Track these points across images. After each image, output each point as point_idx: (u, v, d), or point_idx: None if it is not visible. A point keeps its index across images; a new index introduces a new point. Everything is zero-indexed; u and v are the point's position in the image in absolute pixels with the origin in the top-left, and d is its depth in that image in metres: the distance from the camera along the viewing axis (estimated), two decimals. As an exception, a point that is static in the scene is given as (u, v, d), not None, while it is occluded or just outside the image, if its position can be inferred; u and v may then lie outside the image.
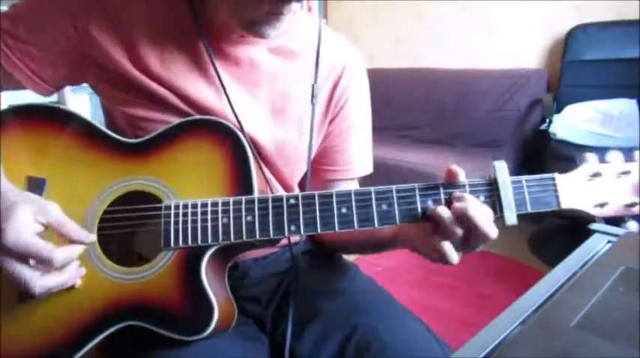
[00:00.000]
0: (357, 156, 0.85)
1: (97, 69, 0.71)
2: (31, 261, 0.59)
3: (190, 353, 0.64)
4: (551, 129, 2.32)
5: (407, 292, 1.99)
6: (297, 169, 0.80)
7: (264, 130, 0.75)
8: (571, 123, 2.32)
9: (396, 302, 0.79)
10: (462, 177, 0.62)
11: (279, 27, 0.64)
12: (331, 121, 0.81)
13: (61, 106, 0.72)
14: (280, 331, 0.76)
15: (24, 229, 0.58)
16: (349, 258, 0.94)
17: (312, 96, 0.74)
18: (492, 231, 0.59)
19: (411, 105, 3.08)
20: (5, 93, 0.77)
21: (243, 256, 0.80)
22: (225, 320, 0.67)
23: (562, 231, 2.55)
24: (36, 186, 0.67)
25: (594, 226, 0.82)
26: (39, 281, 0.59)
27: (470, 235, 0.60)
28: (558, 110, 2.46)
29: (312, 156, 0.80)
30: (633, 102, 2.29)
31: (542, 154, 2.38)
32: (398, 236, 0.71)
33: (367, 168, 0.87)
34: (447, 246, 0.61)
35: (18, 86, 0.73)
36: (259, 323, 0.80)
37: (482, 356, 0.49)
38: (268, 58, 0.74)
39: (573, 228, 2.48)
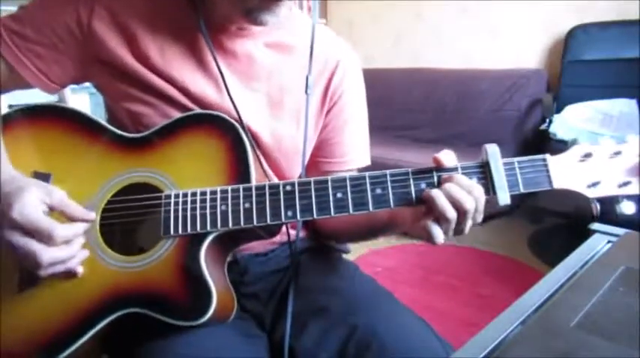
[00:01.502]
0: (353, 148, 0.86)
1: (101, 65, 0.73)
2: (36, 236, 0.61)
3: (190, 348, 0.65)
4: (551, 129, 2.32)
5: (407, 292, 1.99)
6: (294, 162, 0.81)
7: (263, 123, 0.76)
8: (571, 123, 2.31)
9: (397, 301, 0.79)
10: (446, 160, 0.63)
11: (278, 13, 0.66)
12: (327, 114, 0.82)
13: (65, 105, 0.74)
14: (280, 329, 0.76)
15: (30, 207, 0.61)
16: (349, 257, 0.94)
17: (307, 86, 0.76)
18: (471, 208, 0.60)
19: (411, 105, 3.08)
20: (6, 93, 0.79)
21: (243, 251, 0.81)
22: (224, 309, 0.68)
23: (562, 231, 2.55)
24: (41, 180, 0.69)
25: (594, 226, 0.82)
26: (46, 253, 0.61)
27: (461, 217, 0.61)
28: (558, 110, 2.46)
29: (310, 149, 0.81)
30: (633, 102, 2.29)
31: (542, 154, 2.37)
32: (394, 219, 0.73)
33: (364, 160, 0.88)
34: (434, 226, 0.62)
35: (25, 85, 0.75)
36: (259, 320, 0.80)
37: (482, 356, 0.49)
38: (265, 52, 0.76)
39: (573, 228, 2.48)
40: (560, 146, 2.24)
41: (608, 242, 0.75)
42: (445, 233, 0.62)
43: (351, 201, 0.63)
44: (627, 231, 0.76)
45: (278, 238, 0.81)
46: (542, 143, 2.42)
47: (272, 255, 0.85)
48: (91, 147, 0.71)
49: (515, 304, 0.60)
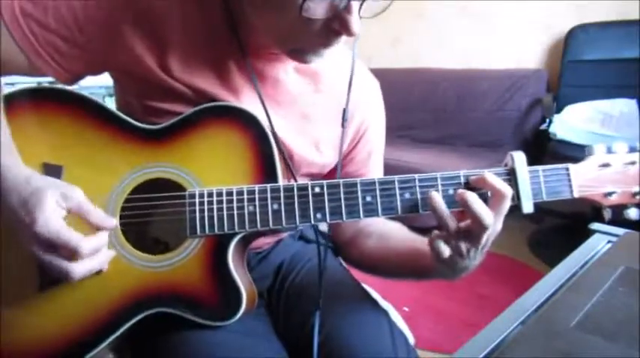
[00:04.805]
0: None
1: (125, 68, 0.68)
2: (60, 250, 0.58)
3: (207, 347, 0.65)
4: (551, 129, 2.32)
5: (407, 292, 1.99)
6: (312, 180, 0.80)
7: (285, 135, 0.73)
8: (571, 123, 2.32)
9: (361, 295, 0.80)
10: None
11: (325, 55, 0.63)
12: (352, 149, 0.81)
13: (76, 90, 0.69)
14: (289, 326, 0.78)
15: (53, 217, 0.57)
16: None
17: (343, 119, 0.73)
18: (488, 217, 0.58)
19: (411, 105, 3.08)
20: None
21: (249, 250, 0.81)
22: (251, 303, 0.69)
23: (562, 231, 2.55)
24: (52, 173, 0.65)
25: (594, 226, 0.82)
26: (77, 268, 0.58)
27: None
28: (558, 110, 2.46)
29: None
30: (633, 102, 2.29)
31: (542, 154, 2.37)
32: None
33: None
34: (443, 245, 0.61)
35: (35, 72, 0.70)
36: (266, 316, 0.81)
37: (482, 356, 0.49)
38: (293, 77, 0.73)
39: (573, 228, 2.48)
40: (560, 146, 2.25)
41: (608, 242, 0.75)
42: (469, 250, 0.60)
43: (380, 204, 0.63)
44: (627, 231, 0.76)
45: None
46: (542, 143, 2.42)
47: (274, 251, 0.86)
48: (104, 138, 0.67)
49: (515, 304, 0.60)
